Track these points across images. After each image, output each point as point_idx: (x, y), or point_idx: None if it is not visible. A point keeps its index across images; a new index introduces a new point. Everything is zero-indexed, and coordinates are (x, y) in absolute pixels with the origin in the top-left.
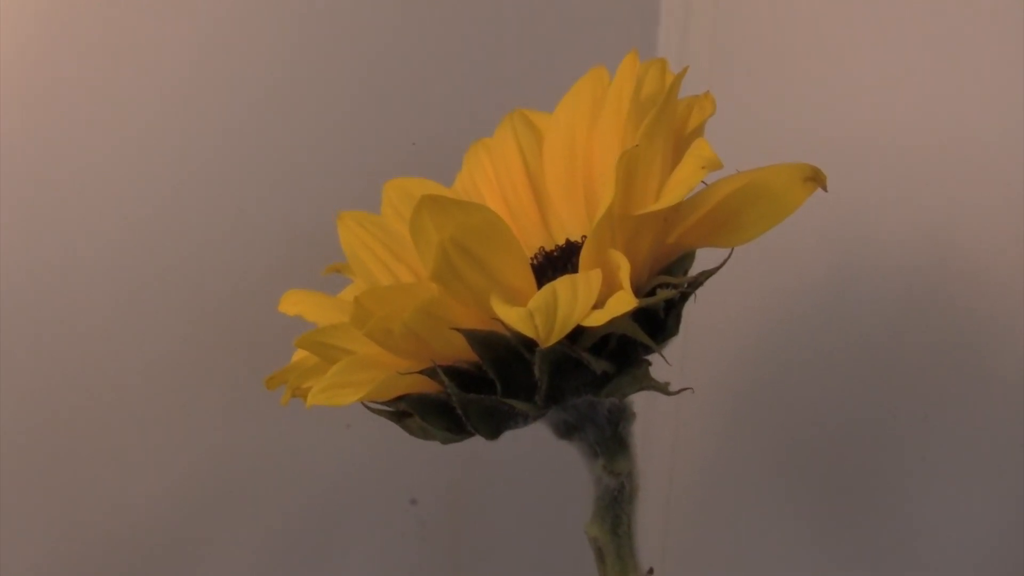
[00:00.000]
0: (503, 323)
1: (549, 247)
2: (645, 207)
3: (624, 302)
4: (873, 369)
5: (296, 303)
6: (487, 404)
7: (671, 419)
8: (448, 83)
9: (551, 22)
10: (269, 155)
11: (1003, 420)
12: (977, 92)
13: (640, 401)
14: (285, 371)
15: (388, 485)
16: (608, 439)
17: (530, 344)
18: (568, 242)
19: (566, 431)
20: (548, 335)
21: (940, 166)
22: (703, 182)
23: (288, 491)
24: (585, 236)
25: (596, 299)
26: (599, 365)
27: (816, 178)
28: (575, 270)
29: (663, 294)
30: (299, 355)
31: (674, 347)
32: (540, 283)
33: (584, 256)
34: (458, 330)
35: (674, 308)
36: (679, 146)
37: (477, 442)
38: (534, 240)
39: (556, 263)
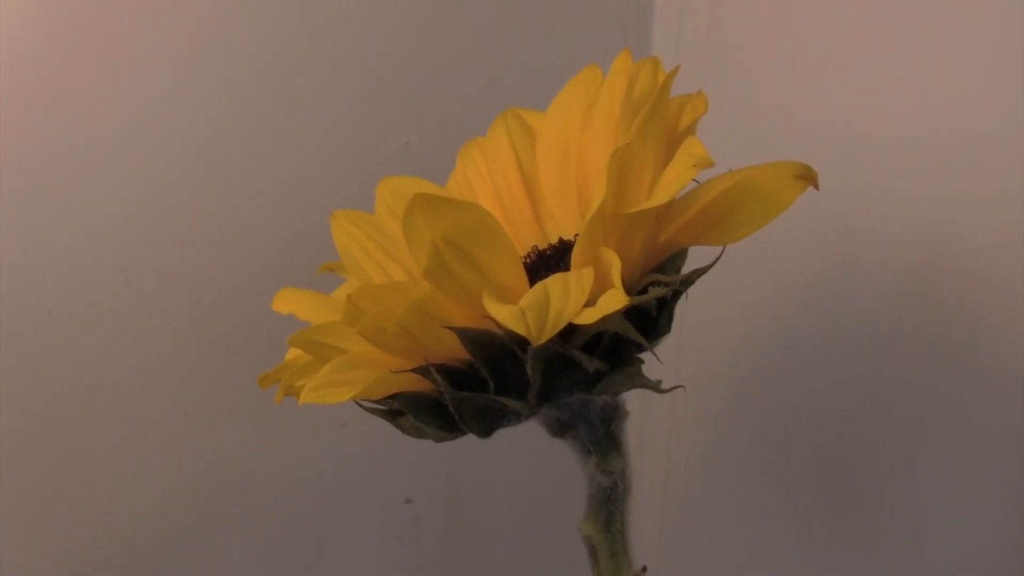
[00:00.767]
0: (495, 321)
1: (542, 245)
2: (637, 205)
3: (615, 300)
4: (867, 367)
5: (289, 302)
6: (480, 402)
7: (666, 418)
8: (442, 82)
9: (545, 21)
10: (263, 155)
11: (999, 417)
12: (971, 89)
13: (635, 400)
14: (278, 369)
15: (383, 484)
16: (601, 437)
17: (522, 342)
18: (561, 241)
19: (559, 429)
20: (540, 333)
21: (934, 164)
22: (695, 180)
23: (283, 490)
24: (578, 235)
25: (588, 297)
26: (591, 363)
27: (807, 176)
28: (568, 268)
29: (655, 292)
30: (292, 353)
31: (668, 346)
32: (533, 282)
33: (576, 254)
34: (451, 328)
35: (666, 306)
36: (671, 144)
37: (471, 441)
38: (528, 238)
39: (549, 262)
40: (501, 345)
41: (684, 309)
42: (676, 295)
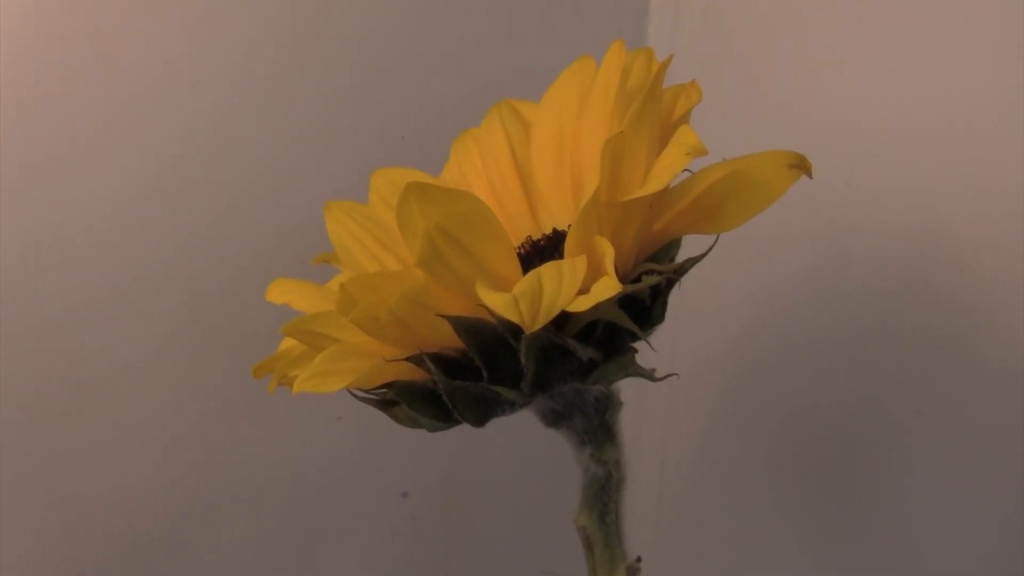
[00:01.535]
0: (489, 310)
1: (537, 236)
2: (631, 194)
3: (608, 287)
4: (864, 359)
5: (283, 292)
6: (473, 391)
7: (662, 409)
8: (436, 76)
9: (539, 14)
10: (257, 148)
11: (996, 412)
12: (968, 82)
13: (631, 391)
14: (272, 359)
15: (379, 478)
16: (596, 428)
17: (516, 331)
18: (555, 231)
19: (554, 419)
20: (533, 321)
21: (931, 156)
22: (689, 170)
23: (278, 484)
24: (572, 224)
25: (581, 285)
26: (585, 352)
27: (801, 165)
28: (562, 259)
29: (648, 280)
30: (286, 343)
31: (664, 336)
32: (527, 272)
33: (569, 243)
34: (444, 317)
35: (660, 295)
36: (665, 134)
37: (467, 435)
38: (522, 229)
39: (543, 252)
40: (495, 334)
41: (679, 299)
42: (670, 284)
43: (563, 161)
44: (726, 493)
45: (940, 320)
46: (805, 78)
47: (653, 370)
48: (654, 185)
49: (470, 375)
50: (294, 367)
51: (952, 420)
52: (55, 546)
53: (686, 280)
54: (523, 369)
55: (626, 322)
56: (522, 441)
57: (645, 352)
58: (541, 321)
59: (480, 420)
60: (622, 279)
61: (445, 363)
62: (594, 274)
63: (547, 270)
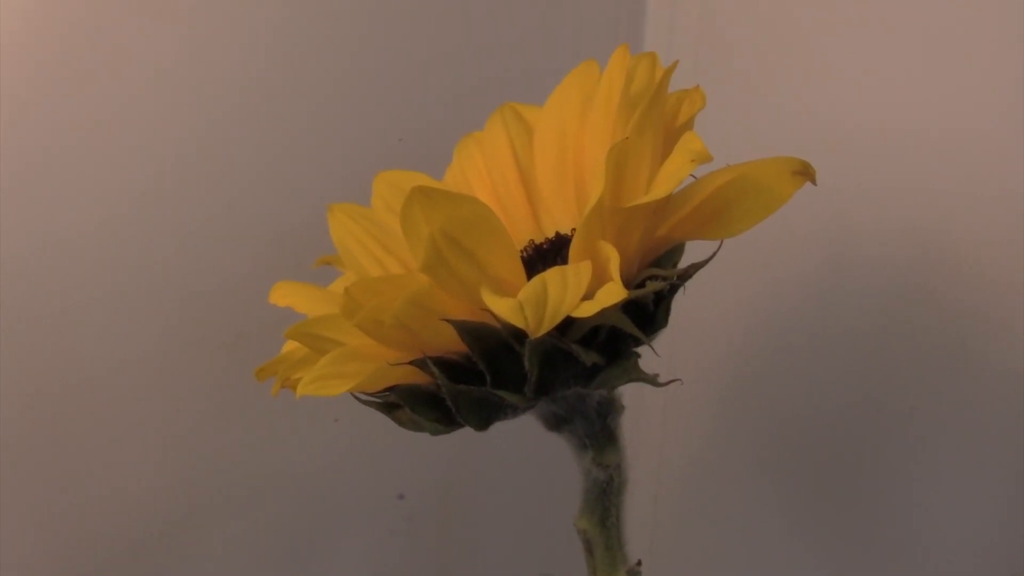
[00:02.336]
0: (493, 314)
1: (539, 240)
2: (635, 199)
3: (614, 293)
4: (862, 363)
5: (286, 294)
6: (476, 395)
7: (659, 413)
8: (434, 77)
9: (536, 16)
10: (256, 150)
11: (995, 413)
12: (967, 84)
13: (628, 395)
14: (275, 362)
15: (375, 480)
16: (597, 432)
17: (520, 335)
18: (558, 235)
19: (555, 423)
20: (538, 326)
21: (930, 159)
22: (692, 175)
23: (275, 486)
24: (575, 229)
25: (586, 290)
26: (589, 357)
27: (805, 172)
28: (565, 263)
29: (653, 286)
30: (289, 346)
31: (662, 341)
32: (530, 276)
33: (574, 248)
34: (448, 321)
35: (663, 301)
36: (669, 139)
37: (465, 437)
38: (524, 233)
39: (546, 256)
40: (498, 338)
41: (678, 305)
42: (673, 289)
43: (566, 165)
44: (723, 496)
45: (939, 322)
46: (802, 80)
47: (656, 375)
48: (659, 191)
49: (473, 379)
50: (297, 370)
51: (952, 422)
52: (53, 546)
53: (686, 282)
54: (526, 373)
55: (630, 327)
56: (519, 444)
57: (644, 356)
58: (546, 326)
59: (483, 424)
60: (626, 284)
61: (448, 367)
62: (598, 279)
63: (552, 275)
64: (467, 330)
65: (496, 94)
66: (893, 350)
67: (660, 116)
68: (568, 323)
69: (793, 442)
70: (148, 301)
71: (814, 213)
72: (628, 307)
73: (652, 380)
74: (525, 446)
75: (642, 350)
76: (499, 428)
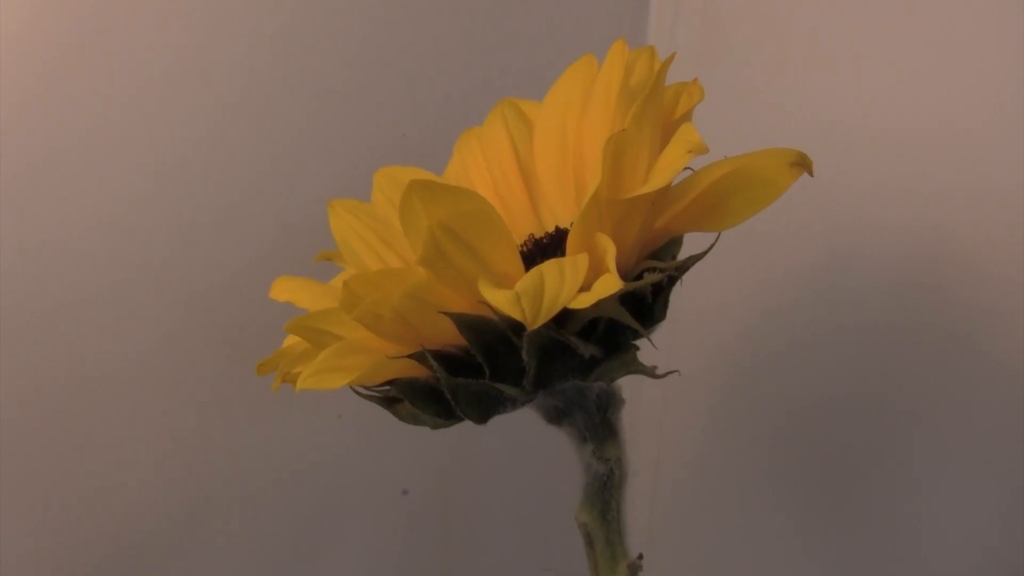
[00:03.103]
0: (491, 307)
1: (539, 234)
2: (633, 191)
3: (610, 284)
4: (862, 358)
5: (287, 289)
6: (475, 388)
7: (657, 407)
8: (436, 74)
9: (539, 13)
10: (257, 146)
11: (996, 410)
12: (968, 79)
13: (626, 389)
14: (275, 357)
15: (379, 475)
16: (597, 425)
17: (518, 328)
18: (558, 228)
19: (555, 417)
20: (535, 318)
21: (932, 153)
22: (691, 168)
23: (278, 482)
24: (574, 221)
25: (583, 282)
26: (587, 349)
27: (802, 163)
28: (564, 256)
29: (650, 277)
30: (290, 340)
31: (661, 335)
32: (529, 270)
33: (571, 240)
34: (447, 314)
35: (661, 293)
36: (667, 132)
37: (468, 433)
38: (524, 227)
39: (546, 249)
40: (496, 331)
41: (677, 298)
42: (672, 282)
43: (566, 159)
44: (721, 492)
45: (940, 318)
46: (804, 76)
47: (654, 367)
48: (656, 182)
49: (472, 372)
50: (297, 364)
51: (953, 418)
52: (54, 544)
53: (682, 278)
54: (525, 366)
55: (628, 319)
56: (521, 439)
57: (643, 350)
58: (543, 318)
59: (482, 417)
60: (624, 276)
61: (447, 360)
62: (596, 271)
63: (549, 267)
64: (465, 323)
65: (499, 91)
66: (893, 345)
67: (658, 109)
68: (566, 316)
69: (792, 438)
70: (149, 298)
71: (814, 207)
72: (626, 300)
73: (650, 372)
74: (527, 442)
75: (641, 343)
76: (501, 424)
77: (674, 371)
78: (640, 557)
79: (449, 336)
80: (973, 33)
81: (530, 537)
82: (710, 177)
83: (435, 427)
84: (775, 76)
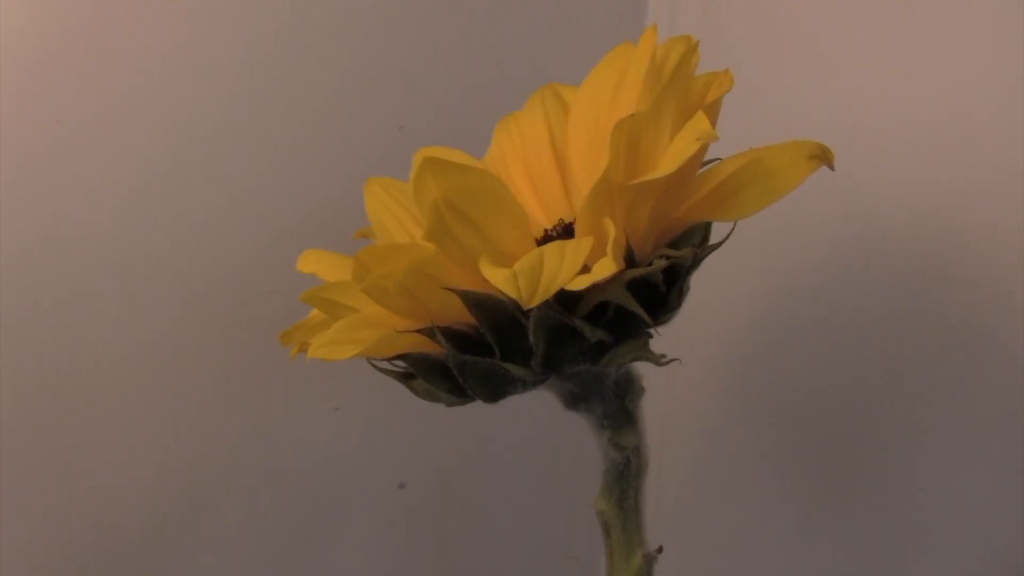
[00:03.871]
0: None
1: (569, 219)
2: (643, 176)
3: (606, 267)
4: (868, 349)
5: (312, 262)
6: (483, 367)
7: (660, 399)
8: (432, 69)
9: (537, 10)
10: (256, 141)
11: (1006, 404)
12: (979, 70)
13: None
14: (296, 328)
15: (377, 469)
16: (615, 412)
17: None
18: None
19: (572, 402)
20: (531, 297)
21: (943, 147)
22: (718, 158)
23: (275, 475)
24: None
25: (584, 264)
26: (594, 333)
27: (821, 156)
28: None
29: (657, 264)
30: (313, 313)
31: (669, 324)
32: None
33: (579, 223)
34: (452, 290)
35: (677, 283)
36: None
37: (466, 426)
38: (556, 212)
39: (573, 235)
40: (505, 311)
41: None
42: (686, 272)
43: (597, 146)
44: (726, 485)
45: (948, 312)
46: (803, 74)
47: (662, 355)
48: (664, 169)
49: (484, 351)
50: (312, 334)
51: (960, 413)
52: (51, 538)
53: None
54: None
55: (632, 304)
56: (520, 433)
57: (658, 338)
58: (539, 298)
59: (492, 396)
60: (639, 263)
61: (459, 338)
62: (600, 255)
63: (551, 248)
64: (473, 300)
65: (495, 85)
66: (900, 337)
67: (680, 95)
68: (576, 299)
69: (797, 429)
70: (149, 291)
71: (828, 200)
72: (640, 287)
73: (656, 359)
74: (526, 436)
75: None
76: (501, 418)
77: (675, 359)
78: (659, 550)
79: (459, 313)
80: (983, 25)
81: (529, 534)
82: (729, 167)
83: (450, 404)
84: (772, 73)
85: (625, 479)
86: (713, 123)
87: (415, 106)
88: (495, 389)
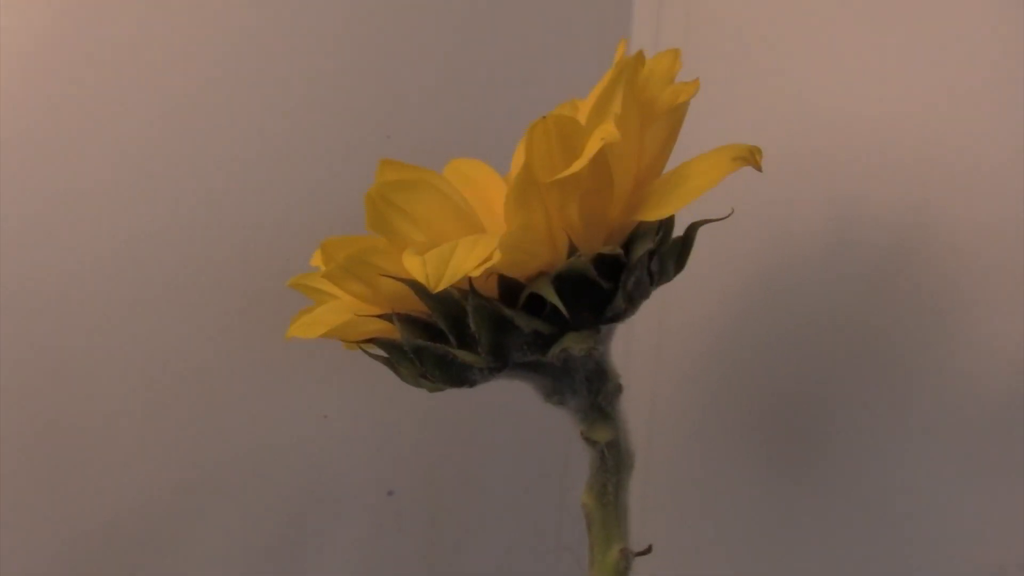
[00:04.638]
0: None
1: None
2: (626, 179)
3: (494, 257)
4: (854, 351)
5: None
6: (438, 352)
7: (646, 398)
8: (419, 74)
9: (522, 12)
10: (254, 146)
11: (988, 400)
12: (961, 70)
13: None
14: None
15: (365, 476)
16: (587, 407)
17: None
18: None
19: (547, 394)
20: (437, 282)
21: (922, 148)
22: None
23: (264, 481)
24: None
25: (492, 255)
26: (529, 324)
27: (745, 158)
28: None
29: (576, 262)
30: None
31: (650, 320)
32: None
33: (505, 216)
34: (389, 276)
35: (621, 286)
36: (657, 122)
37: (454, 432)
38: None
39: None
40: (451, 299)
41: (668, 287)
42: (627, 275)
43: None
44: (711, 481)
45: (934, 311)
46: (789, 71)
47: (590, 347)
48: (573, 168)
49: (444, 339)
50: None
51: (943, 411)
52: (44, 539)
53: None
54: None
55: (552, 297)
56: (508, 440)
57: (637, 333)
58: (445, 283)
59: (453, 381)
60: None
61: (423, 325)
62: (551, 252)
63: (467, 239)
64: (416, 288)
65: (479, 86)
66: (886, 338)
67: (628, 100)
68: (516, 290)
69: (784, 429)
70: (138, 292)
71: (809, 201)
72: (579, 285)
73: (586, 350)
74: (513, 443)
75: (631, 339)
76: (489, 426)
77: (594, 347)
78: (649, 549)
79: (413, 302)
80: (973, 23)
81: (517, 540)
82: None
83: (433, 391)
84: (758, 72)
85: (603, 473)
86: (677, 128)
87: (402, 114)
88: (454, 375)
